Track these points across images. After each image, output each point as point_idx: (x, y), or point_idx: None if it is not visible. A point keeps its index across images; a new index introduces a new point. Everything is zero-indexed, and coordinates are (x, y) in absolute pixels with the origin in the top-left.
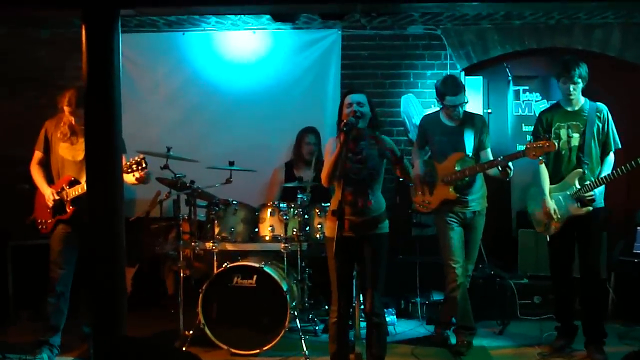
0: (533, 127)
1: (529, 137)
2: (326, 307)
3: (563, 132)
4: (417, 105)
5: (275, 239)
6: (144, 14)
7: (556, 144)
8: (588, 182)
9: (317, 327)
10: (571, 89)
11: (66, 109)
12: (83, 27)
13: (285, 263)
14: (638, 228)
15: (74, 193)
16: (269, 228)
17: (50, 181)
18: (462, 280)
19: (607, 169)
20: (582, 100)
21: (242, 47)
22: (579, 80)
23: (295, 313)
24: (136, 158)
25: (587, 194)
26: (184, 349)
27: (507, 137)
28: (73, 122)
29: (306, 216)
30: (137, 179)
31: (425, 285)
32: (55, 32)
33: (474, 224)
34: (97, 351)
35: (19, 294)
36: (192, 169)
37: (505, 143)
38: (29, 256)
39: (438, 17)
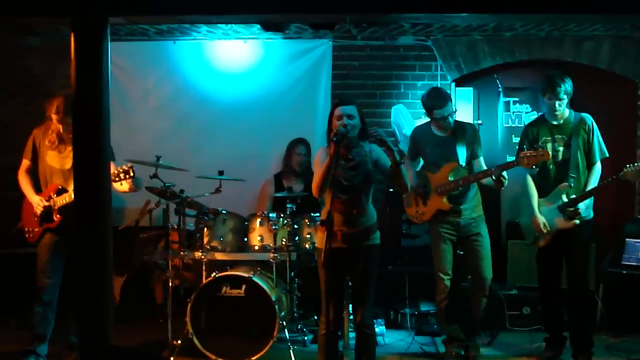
0: (519, 140)
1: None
2: (315, 317)
3: (549, 146)
4: (407, 115)
5: (264, 248)
6: (134, 22)
7: (550, 152)
8: (574, 196)
9: (306, 338)
10: (556, 105)
11: (54, 116)
12: (72, 35)
13: (275, 273)
14: (627, 240)
15: (61, 201)
16: (258, 238)
17: (38, 189)
18: (447, 295)
19: (595, 179)
20: (567, 112)
21: (233, 56)
22: (565, 97)
23: (284, 323)
24: (124, 167)
25: (573, 208)
26: (172, 358)
27: (497, 148)
28: (61, 130)
29: (295, 226)
30: (129, 187)
31: (414, 296)
32: (44, 40)
33: (475, 231)
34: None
35: (5, 303)
36: (181, 178)
37: (495, 154)
38: (15, 265)
39: (429, 28)
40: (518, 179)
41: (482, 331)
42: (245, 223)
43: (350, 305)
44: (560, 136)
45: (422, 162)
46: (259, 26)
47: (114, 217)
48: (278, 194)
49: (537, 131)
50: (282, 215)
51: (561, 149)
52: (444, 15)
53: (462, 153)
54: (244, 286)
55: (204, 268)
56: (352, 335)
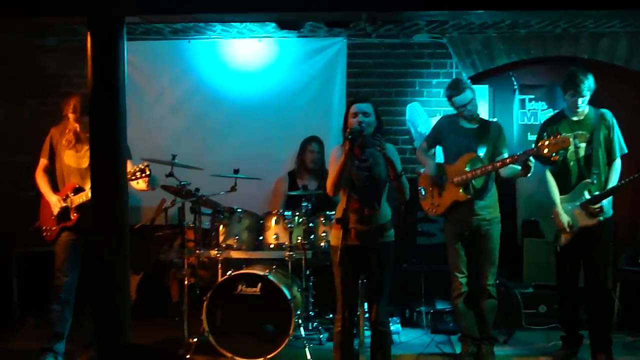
0: (536, 137)
1: (533, 146)
2: (331, 315)
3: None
4: (422, 113)
5: (279, 247)
6: (150, 21)
7: (570, 138)
8: (597, 193)
9: (321, 336)
10: (579, 102)
11: (71, 116)
12: (88, 34)
13: (290, 271)
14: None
15: (78, 200)
16: (274, 236)
17: (55, 188)
18: (465, 290)
19: (615, 175)
20: (587, 108)
21: (248, 55)
22: (587, 93)
23: (300, 321)
24: (140, 165)
25: (596, 205)
26: (188, 356)
27: (512, 145)
28: (78, 129)
29: (311, 224)
30: (145, 186)
31: (430, 294)
32: (60, 40)
33: (487, 232)
34: (100, 358)
35: (23, 301)
36: (197, 177)
37: (511, 151)
38: (33, 263)
39: (444, 26)
40: (535, 178)
41: (498, 329)
42: (261, 221)
43: (366, 303)
44: (581, 132)
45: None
46: (273, 25)
47: (131, 216)
48: (293, 192)
49: (556, 128)
50: (297, 213)
51: (582, 145)
52: (459, 12)
53: (482, 146)
54: (259, 284)
55: (219, 266)
56: (367, 333)
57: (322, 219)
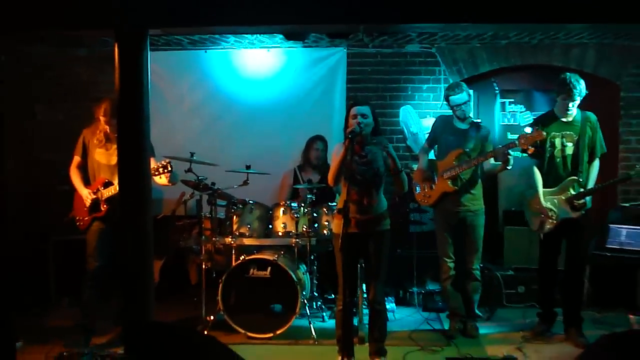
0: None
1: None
2: (333, 295)
3: (557, 141)
4: (414, 115)
5: (287, 234)
6: (170, 33)
7: (544, 133)
8: (582, 190)
9: (324, 314)
10: (570, 105)
11: (102, 118)
12: (116, 45)
13: (296, 256)
14: (610, 225)
15: (108, 193)
16: (282, 225)
17: (87, 183)
18: (453, 273)
19: (595, 173)
20: (575, 111)
21: (258, 63)
22: (578, 98)
23: (305, 301)
24: (162, 162)
25: (581, 200)
26: (205, 332)
27: (494, 144)
28: (108, 130)
29: (315, 214)
30: (167, 181)
31: (421, 276)
32: (91, 50)
33: (472, 222)
34: (127, 334)
35: (59, 284)
36: (213, 172)
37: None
38: (68, 250)
39: (433, 37)
40: (514, 173)
41: (482, 307)
42: (270, 212)
43: (364, 285)
44: (568, 133)
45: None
46: (280, 36)
47: (154, 207)
48: (299, 186)
49: (546, 128)
50: (302, 204)
51: (569, 144)
52: (447, 25)
53: (470, 144)
54: (269, 268)
55: (233, 252)
56: (365, 311)
57: (324, 209)
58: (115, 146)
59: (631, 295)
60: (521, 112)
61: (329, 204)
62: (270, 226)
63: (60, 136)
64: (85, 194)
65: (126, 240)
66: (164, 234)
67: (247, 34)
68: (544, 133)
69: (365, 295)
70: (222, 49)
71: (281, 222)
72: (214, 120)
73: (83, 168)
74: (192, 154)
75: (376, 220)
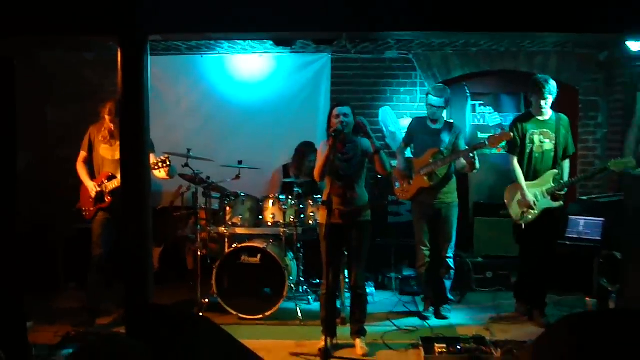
0: (508, 130)
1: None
2: (317, 280)
3: (536, 138)
4: (392, 115)
5: (275, 224)
6: (169, 39)
7: (511, 134)
8: (563, 182)
9: (309, 297)
10: (542, 104)
11: (107, 117)
12: (119, 50)
13: (284, 244)
14: (570, 217)
15: (111, 186)
16: (271, 215)
17: (92, 176)
18: (428, 260)
19: (568, 169)
20: (550, 111)
21: (250, 68)
22: (549, 96)
23: (292, 285)
24: (161, 157)
25: (562, 192)
26: (200, 314)
27: (466, 142)
28: (112, 128)
29: (301, 206)
30: (166, 174)
31: (398, 263)
32: (98, 55)
33: (446, 214)
34: (129, 316)
35: (67, 269)
36: (208, 167)
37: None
38: (75, 238)
39: (410, 44)
40: (484, 167)
41: (453, 291)
42: (260, 203)
43: (346, 271)
44: (545, 130)
45: (409, 150)
46: (271, 42)
47: (153, 199)
48: (287, 180)
49: (525, 125)
50: (290, 197)
51: (546, 141)
52: (422, 33)
53: (445, 143)
54: (259, 255)
55: (226, 240)
56: (347, 295)
57: (310, 201)
58: (118, 142)
59: (588, 280)
60: (490, 113)
61: (315, 196)
62: (260, 217)
63: (69, 134)
64: (91, 187)
65: (128, 229)
66: (163, 224)
67: (239, 40)
68: (511, 134)
69: (347, 280)
70: (217, 54)
71: (270, 212)
72: (209, 119)
73: (89, 163)
74: (189, 150)
75: (357, 212)
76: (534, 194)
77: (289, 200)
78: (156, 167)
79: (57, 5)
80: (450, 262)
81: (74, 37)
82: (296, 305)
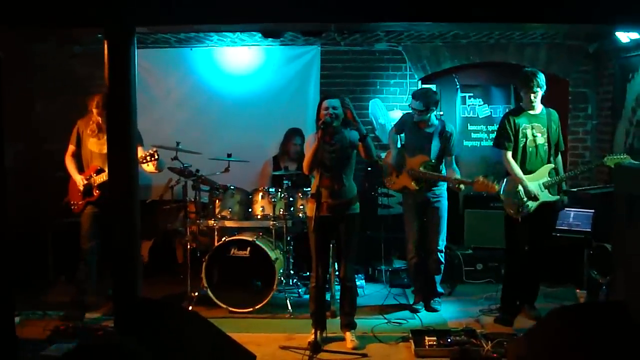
0: (497, 126)
1: (473, 135)
2: (307, 273)
3: (529, 132)
4: (382, 108)
5: (265, 217)
6: (156, 31)
7: (496, 187)
8: (560, 176)
9: (299, 290)
10: (532, 98)
11: (94, 110)
12: (105, 42)
13: (274, 237)
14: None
15: (100, 179)
16: (260, 208)
17: (80, 170)
18: (415, 254)
19: (561, 163)
20: (541, 106)
21: (239, 60)
22: (538, 90)
23: (282, 278)
24: (150, 151)
25: (562, 186)
26: (190, 307)
27: (455, 134)
28: (100, 121)
29: (291, 199)
30: (154, 168)
31: (388, 256)
32: (86, 48)
33: (436, 206)
34: (117, 310)
35: (57, 262)
36: (197, 160)
37: (458, 147)
38: (65, 231)
39: (399, 36)
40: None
41: (444, 283)
42: (250, 196)
43: (336, 264)
44: (537, 124)
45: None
46: (260, 35)
47: (143, 192)
48: (276, 172)
49: (518, 120)
50: (279, 189)
51: (539, 135)
52: (411, 24)
53: (434, 149)
54: (249, 248)
55: (216, 233)
56: (337, 288)
57: (299, 194)
58: (106, 136)
59: (578, 271)
60: (480, 105)
61: (304, 189)
62: (250, 209)
63: (58, 128)
64: (79, 180)
65: (115, 223)
66: (152, 217)
67: (228, 31)
68: (496, 187)
69: (337, 273)
70: (206, 47)
71: (260, 205)
72: (199, 112)
73: (77, 156)
74: (178, 144)
75: (346, 205)
76: (535, 187)
77: (279, 193)
78: (144, 161)
79: None
80: (441, 256)
81: (59, 29)
82: (286, 298)
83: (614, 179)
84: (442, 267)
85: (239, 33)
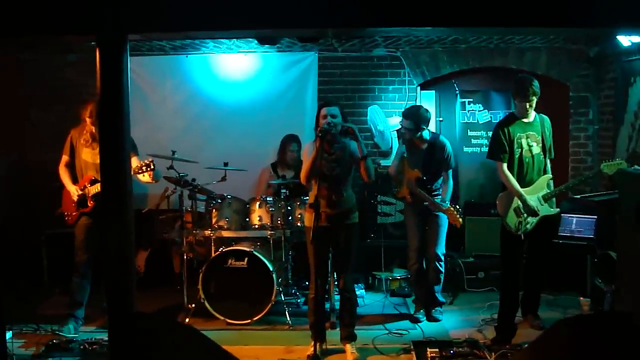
0: (491, 136)
1: (473, 141)
2: (306, 283)
3: (524, 142)
4: (381, 114)
5: (263, 227)
6: (149, 38)
7: (460, 222)
8: (560, 187)
9: (298, 300)
10: (527, 106)
11: (88, 119)
12: (97, 49)
13: (272, 247)
14: (562, 215)
15: (94, 190)
16: (258, 218)
17: (74, 180)
18: (419, 261)
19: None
20: (534, 113)
21: (235, 67)
22: (534, 98)
23: (280, 289)
24: (145, 161)
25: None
26: (187, 319)
27: (455, 140)
28: (93, 130)
29: (289, 208)
30: (150, 178)
31: (388, 264)
32: (80, 56)
33: (437, 214)
34: (111, 324)
35: (51, 275)
36: (193, 169)
37: (454, 146)
38: (60, 243)
39: (398, 42)
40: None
41: (445, 292)
42: (247, 205)
43: (335, 274)
44: (531, 132)
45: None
46: (256, 41)
47: (139, 202)
48: (273, 181)
49: (512, 129)
50: (277, 198)
51: (534, 144)
52: (410, 29)
53: (427, 166)
54: (246, 258)
55: (212, 243)
56: (336, 297)
57: (297, 203)
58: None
59: (581, 278)
60: (479, 110)
61: (302, 197)
62: (247, 219)
63: (53, 137)
64: (73, 191)
65: (109, 234)
66: (149, 227)
67: (222, 38)
68: (460, 222)
69: (336, 284)
70: (202, 54)
71: (257, 215)
72: (195, 120)
73: (71, 166)
74: (173, 152)
75: (345, 214)
76: (535, 201)
77: (276, 202)
78: (140, 171)
79: (33, 5)
80: (440, 265)
81: (51, 37)
82: (285, 309)
83: (617, 185)
84: (442, 276)
85: (235, 40)
